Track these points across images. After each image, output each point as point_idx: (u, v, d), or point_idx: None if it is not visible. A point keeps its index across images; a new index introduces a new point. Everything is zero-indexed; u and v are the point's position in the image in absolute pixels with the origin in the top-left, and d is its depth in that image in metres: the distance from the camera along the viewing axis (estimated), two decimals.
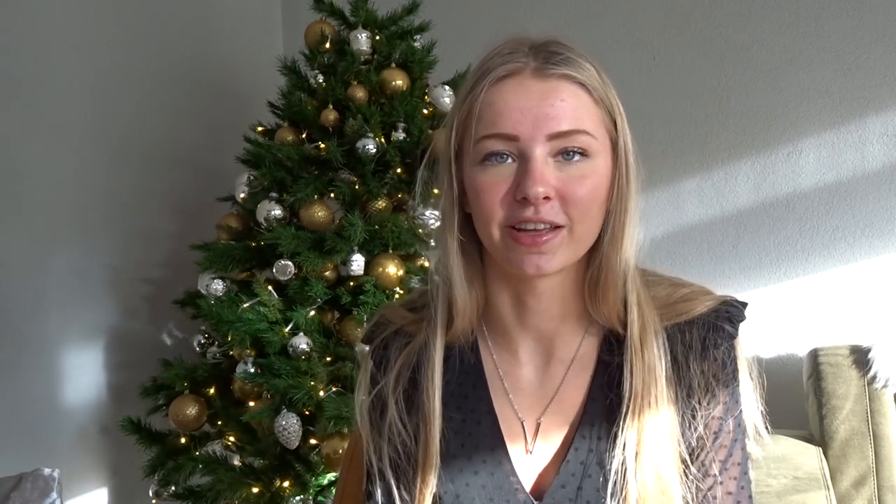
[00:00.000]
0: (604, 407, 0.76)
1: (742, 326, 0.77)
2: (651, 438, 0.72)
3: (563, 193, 0.70)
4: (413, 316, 0.83)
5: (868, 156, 1.91)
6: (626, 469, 0.72)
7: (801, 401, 1.81)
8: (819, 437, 1.73)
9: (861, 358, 1.71)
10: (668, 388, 0.73)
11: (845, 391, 1.70)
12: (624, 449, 0.72)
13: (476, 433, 0.78)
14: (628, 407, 0.73)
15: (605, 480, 0.73)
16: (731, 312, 0.77)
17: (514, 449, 0.78)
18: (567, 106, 0.70)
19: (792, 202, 1.99)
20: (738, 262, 2.04)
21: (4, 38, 1.81)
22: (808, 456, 1.65)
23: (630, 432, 0.72)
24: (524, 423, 0.79)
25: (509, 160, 0.71)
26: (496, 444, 0.78)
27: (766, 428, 0.78)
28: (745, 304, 0.78)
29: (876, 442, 1.67)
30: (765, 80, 2.02)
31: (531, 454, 0.78)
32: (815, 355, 1.78)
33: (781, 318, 1.96)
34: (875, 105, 1.90)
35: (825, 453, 1.68)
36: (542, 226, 0.70)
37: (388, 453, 0.78)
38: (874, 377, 1.69)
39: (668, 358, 0.74)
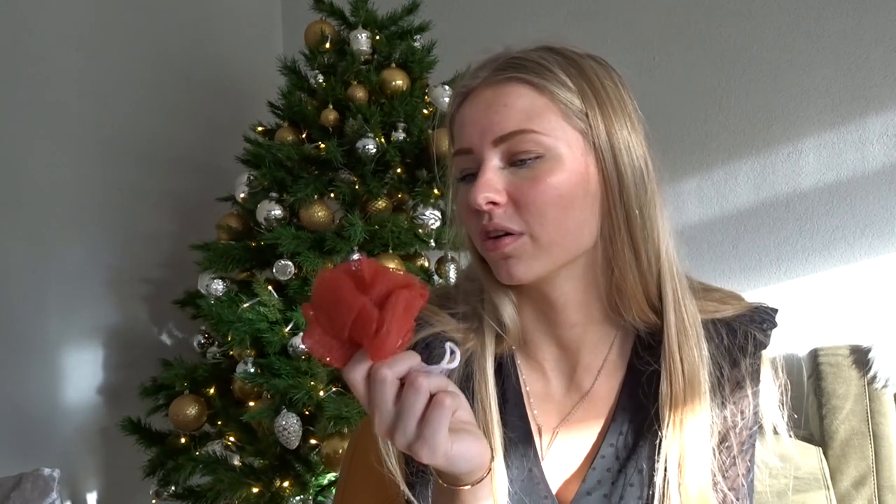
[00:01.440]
0: (635, 414, 0.74)
1: (773, 334, 0.76)
2: (693, 448, 0.70)
3: (514, 197, 0.69)
4: (457, 324, 0.80)
5: (868, 156, 1.91)
6: (668, 481, 0.70)
7: (801, 401, 1.81)
8: (819, 437, 1.73)
9: (861, 358, 1.72)
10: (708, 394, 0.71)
11: (845, 391, 1.70)
12: (667, 460, 0.70)
13: (516, 440, 0.77)
14: (670, 416, 0.70)
15: (632, 486, 0.72)
16: (764, 320, 0.75)
17: None
18: (510, 108, 0.69)
19: (792, 202, 1.99)
20: (738, 262, 2.04)
21: (5, 38, 1.81)
22: (808, 456, 1.65)
23: (672, 444, 0.70)
24: (541, 430, 0.77)
25: (473, 175, 0.72)
26: (527, 452, 0.76)
27: (790, 433, 0.75)
28: (776, 311, 0.77)
29: (876, 442, 1.67)
30: (765, 80, 2.02)
31: (544, 460, 0.77)
32: (815, 355, 1.78)
33: (781, 318, 1.95)
34: (875, 105, 1.90)
35: (825, 453, 1.68)
36: (500, 232, 0.70)
37: None
38: (874, 377, 1.69)
39: (711, 363, 0.72)
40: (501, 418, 0.76)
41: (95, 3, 2.04)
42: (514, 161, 0.70)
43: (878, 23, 1.90)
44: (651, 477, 0.71)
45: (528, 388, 0.79)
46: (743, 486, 0.73)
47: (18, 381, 1.82)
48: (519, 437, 0.77)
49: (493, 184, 0.69)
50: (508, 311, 0.76)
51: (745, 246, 2.04)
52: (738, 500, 0.73)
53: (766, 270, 2.02)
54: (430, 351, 0.79)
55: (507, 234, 0.70)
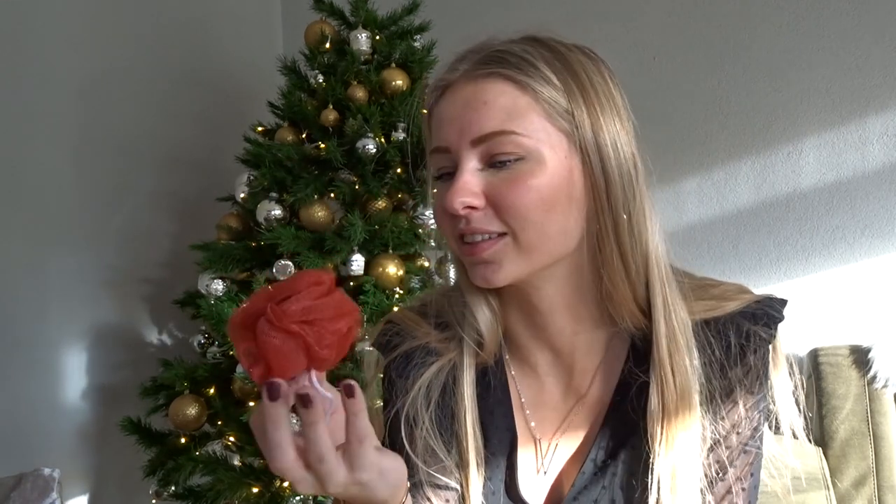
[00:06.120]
0: (626, 418, 0.71)
1: (781, 327, 0.72)
2: (684, 464, 0.67)
3: (493, 200, 0.66)
4: (438, 334, 0.78)
5: (868, 156, 1.91)
6: (660, 490, 0.67)
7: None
8: (819, 437, 1.73)
9: (861, 358, 1.72)
10: (700, 404, 0.69)
11: (845, 391, 1.70)
12: (659, 479, 0.67)
13: (497, 452, 0.75)
14: (662, 432, 0.67)
15: (620, 492, 0.70)
16: (768, 314, 0.71)
17: (527, 467, 0.75)
18: (490, 107, 0.65)
19: (792, 202, 1.99)
20: (738, 262, 2.04)
21: (4, 38, 1.81)
22: (808, 456, 1.65)
23: (665, 461, 0.67)
24: (540, 442, 0.75)
25: (450, 174, 0.68)
26: (511, 464, 0.75)
27: (808, 431, 0.72)
28: (783, 302, 0.73)
29: (876, 442, 1.67)
30: (765, 80, 2.02)
31: (545, 474, 0.74)
32: (815, 355, 1.78)
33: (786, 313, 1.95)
34: (875, 105, 1.90)
35: (825, 453, 1.68)
36: (478, 237, 0.67)
37: (419, 465, 0.74)
38: (874, 377, 1.69)
39: (701, 372, 0.69)
40: (483, 432, 0.74)
41: (95, 3, 2.04)
42: (493, 162, 0.66)
43: (878, 23, 1.90)
44: (638, 491, 0.69)
45: (523, 399, 0.76)
46: (745, 489, 0.71)
47: (18, 381, 1.82)
48: (502, 447, 0.75)
49: (470, 187, 0.66)
50: (486, 318, 0.74)
51: (745, 246, 2.04)
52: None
53: (766, 270, 2.01)
54: (408, 361, 0.77)
55: (486, 238, 0.67)
